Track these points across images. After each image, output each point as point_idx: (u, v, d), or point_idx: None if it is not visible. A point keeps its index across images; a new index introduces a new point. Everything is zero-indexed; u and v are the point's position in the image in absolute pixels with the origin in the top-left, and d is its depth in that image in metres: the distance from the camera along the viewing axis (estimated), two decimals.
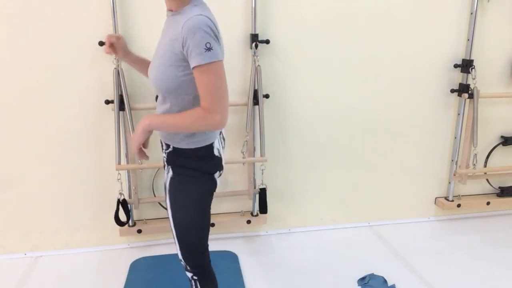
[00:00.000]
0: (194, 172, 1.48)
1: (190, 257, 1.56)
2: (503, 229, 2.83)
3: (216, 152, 1.51)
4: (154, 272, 2.34)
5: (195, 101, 1.41)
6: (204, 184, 1.50)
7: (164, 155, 1.54)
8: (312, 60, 2.55)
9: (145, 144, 1.49)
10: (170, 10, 1.46)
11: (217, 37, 1.34)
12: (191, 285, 1.60)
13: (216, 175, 1.53)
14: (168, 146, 1.51)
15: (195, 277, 1.57)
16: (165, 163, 1.55)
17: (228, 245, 2.61)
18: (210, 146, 1.49)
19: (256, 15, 2.38)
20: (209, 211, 1.55)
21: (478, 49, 2.69)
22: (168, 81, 1.39)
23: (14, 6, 2.18)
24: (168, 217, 1.54)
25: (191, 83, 1.38)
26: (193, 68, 1.32)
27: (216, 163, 1.52)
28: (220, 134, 1.54)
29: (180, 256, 1.56)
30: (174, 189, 1.50)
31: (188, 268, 1.57)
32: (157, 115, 1.44)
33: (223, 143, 1.58)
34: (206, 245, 1.58)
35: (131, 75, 2.35)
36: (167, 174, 1.53)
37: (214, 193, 1.56)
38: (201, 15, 1.32)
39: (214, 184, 1.53)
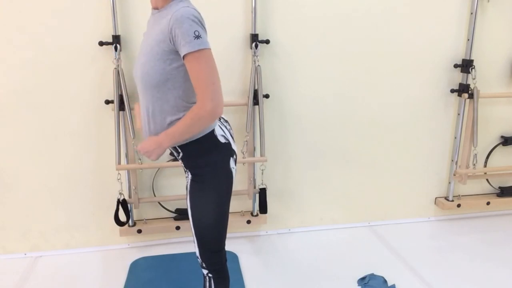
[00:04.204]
0: (208, 170, 1.50)
1: (207, 255, 1.58)
2: (503, 229, 2.83)
3: (221, 139, 1.51)
4: (154, 272, 2.34)
5: (184, 97, 1.44)
6: (221, 181, 1.52)
7: (180, 162, 1.57)
8: (312, 60, 2.55)
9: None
10: (155, 8, 1.50)
11: (204, 27, 1.38)
12: (205, 281, 1.62)
13: (231, 163, 1.53)
14: (178, 152, 1.52)
15: (210, 275, 1.60)
16: (184, 169, 1.58)
17: (228, 245, 2.56)
18: (213, 135, 1.49)
19: (256, 15, 2.38)
20: (228, 210, 1.57)
21: (478, 49, 2.69)
22: (157, 76, 1.40)
23: (14, 7, 2.18)
24: (188, 217, 1.57)
25: (179, 76, 1.41)
26: (183, 56, 1.34)
27: (225, 151, 1.52)
28: (219, 119, 1.54)
29: (197, 254, 1.59)
30: (193, 190, 1.53)
31: (204, 265, 1.59)
32: (164, 133, 1.45)
33: (227, 126, 1.58)
34: (223, 245, 1.61)
35: (131, 75, 2.35)
36: (187, 178, 1.56)
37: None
38: (187, 7, 1.37)
39: (230, 176, 1.54)
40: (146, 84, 1.44)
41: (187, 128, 1.40)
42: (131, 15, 2.29)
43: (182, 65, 1.39)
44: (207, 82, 1.34)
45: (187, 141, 1.47)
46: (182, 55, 1.35)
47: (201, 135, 1.47)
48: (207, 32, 1.40)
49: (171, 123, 1.46)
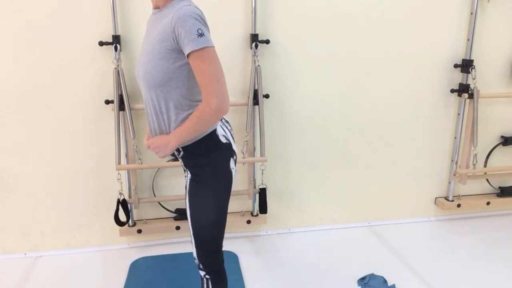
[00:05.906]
0: (209, 170, 1.50)
1: (205, 256, 1.58)
2: (503, 229, 2.83)
3: (223, 139, 1.51)
4: (154, 272, 2.34)
5: (188, 95, 1.44)
6: (221, 181, 1.52)
7: (180, 161, 1.57)
8: (312, 60, 2.55)
9: None
10: (156, 7, 1.49)
11: (207, 25, 1.38)
12: (203, 283, 1.62)
13: (231, 164, 1.53)
14: (179, 151, 1.52)
15: (207, 276, 1.59)
16: (184, 168, 1.58)
17: (228, 245, 2.61)
18: (214, 135, 1.49)
19: (256, 15, 2.38)
20: (226, 211, 1.57)
21: (478, 49, 2.69)
22: (160, 75, 1.40)
23: (14, 7, 2.18)
24: (186, 217, 1.57)
25: (182, 75, 1.41)
26: (188, 55, 1.34)
27: (226, 151, 1.52)
28: (221, 119, 1.54)
29: (194, 255, 1.59)
30: (192, 190, 1.53)
31: (201, 267, 1.59)
32: (173, 133, 1.46)
33: (228, 127, 1.58)
34: (220, 245, 1.60)
35: (131, 75, 2.35)
36: (187, 177, 1.57)
37: None
38: (189, 5, 1.37)
39: (230, 177, 1.54)
40: (149, 83, 1.44)
41: (194, 127, 1.41)
42: (131, 15, 2.30)
43: (185, 63, 1.39)
44: (212, 80, 1.35)
45: (192, 141, 1.47)
46: (186, 54, 1.35)
47: (203, 135, 1.47)
48: (209, 30, 1.40)
49: (176, 121, 1.46)
